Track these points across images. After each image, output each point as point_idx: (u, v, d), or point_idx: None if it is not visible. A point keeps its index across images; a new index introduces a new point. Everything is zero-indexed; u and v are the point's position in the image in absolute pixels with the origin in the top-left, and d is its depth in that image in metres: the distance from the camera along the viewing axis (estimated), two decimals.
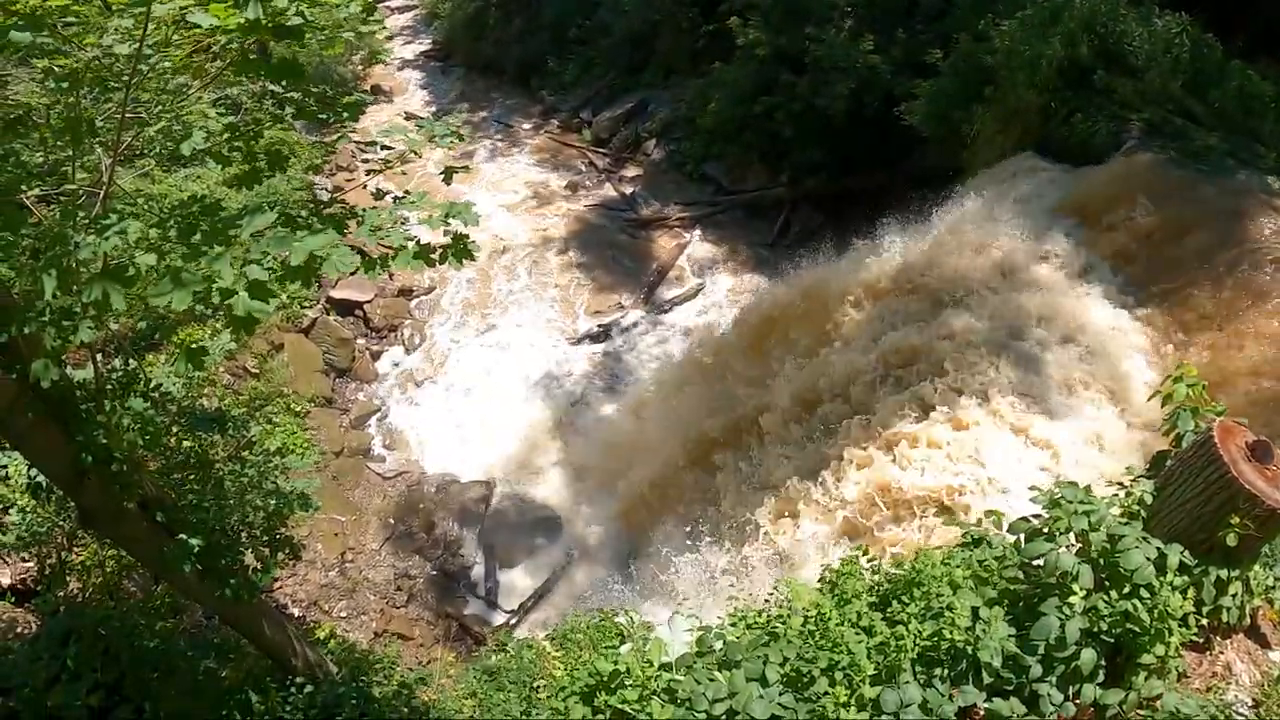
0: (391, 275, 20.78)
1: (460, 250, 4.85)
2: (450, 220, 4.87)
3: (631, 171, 25.22)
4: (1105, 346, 10.36)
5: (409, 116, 27.76)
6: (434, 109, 29.06)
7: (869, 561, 5.73)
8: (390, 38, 33.87)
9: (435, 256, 4.75)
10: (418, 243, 4.68)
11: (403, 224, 4.79)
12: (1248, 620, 5.06)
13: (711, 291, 21.07)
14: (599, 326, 20.18)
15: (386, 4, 36.44)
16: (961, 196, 13.97)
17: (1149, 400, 6.25)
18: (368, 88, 29.44)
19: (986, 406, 9.92)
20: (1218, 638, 5.07)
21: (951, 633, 4.71)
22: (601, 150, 26.16)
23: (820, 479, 10.82)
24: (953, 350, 10.90)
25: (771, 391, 13.35)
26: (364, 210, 4.72)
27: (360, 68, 29.64)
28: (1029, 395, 10.01)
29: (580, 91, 28.03)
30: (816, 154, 21.25)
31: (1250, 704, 4.84)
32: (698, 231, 22.75)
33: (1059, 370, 10.20)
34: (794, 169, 22.22)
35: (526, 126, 27.91)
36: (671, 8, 25.40)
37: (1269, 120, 12.92)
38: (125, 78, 4.36)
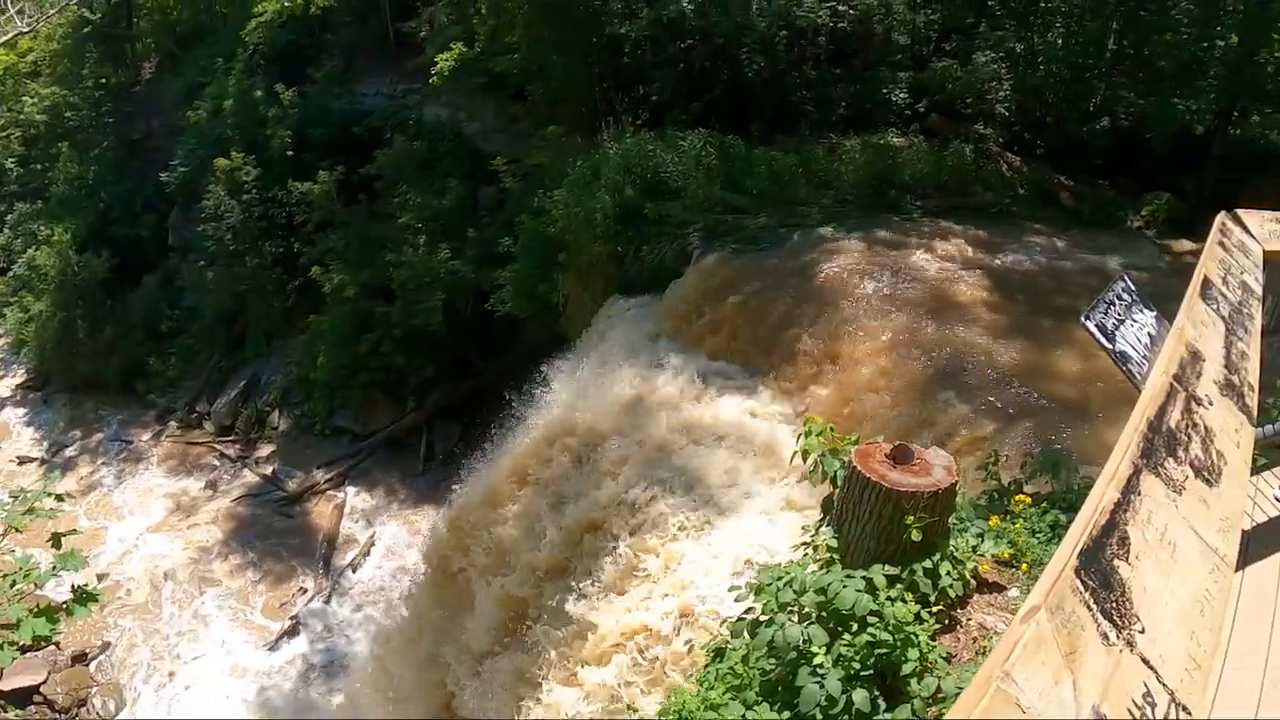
0: (58, 644, 18.23)
1: (83, 598, 4.59)
2: (61, 572, 4.70)
3: (265, 449, 24.12)
4: (746, 432, 10.92)
5: (22, 461, 24.96)
6: (45, 444, 26.08)
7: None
8: None
9: (60, 615, 4.51)
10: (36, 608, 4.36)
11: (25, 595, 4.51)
12: (973, 582, 5.38)
13: (384, 538, 20.37)
14: (290, 619, 18.85)
15: None
16: (572, 358, 14.60)
17: (791, 462, 6.64)
18: None
19: (667, 532, 9.99)
20: (957, 611, 5.33)
21: None
22: (229, 439, 24.81)
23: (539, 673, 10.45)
24: (615, 501, 10.97)
25: (470, 619, 12.87)
26: None
27: None
28: (702, 505, 10.17)
29: (189, 384, 26.55)
30: (430, 370, 21.57)
31: None
32: (350, 487, 22.07)
33: (718, 472, 10.51)
34: (416, 392, 22.36)
35: (146, 437, 25.77)
36: (254, 274, 25.02)
37: (800, 184, 14.86)
38: None
